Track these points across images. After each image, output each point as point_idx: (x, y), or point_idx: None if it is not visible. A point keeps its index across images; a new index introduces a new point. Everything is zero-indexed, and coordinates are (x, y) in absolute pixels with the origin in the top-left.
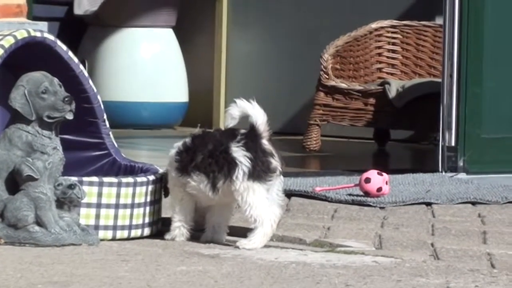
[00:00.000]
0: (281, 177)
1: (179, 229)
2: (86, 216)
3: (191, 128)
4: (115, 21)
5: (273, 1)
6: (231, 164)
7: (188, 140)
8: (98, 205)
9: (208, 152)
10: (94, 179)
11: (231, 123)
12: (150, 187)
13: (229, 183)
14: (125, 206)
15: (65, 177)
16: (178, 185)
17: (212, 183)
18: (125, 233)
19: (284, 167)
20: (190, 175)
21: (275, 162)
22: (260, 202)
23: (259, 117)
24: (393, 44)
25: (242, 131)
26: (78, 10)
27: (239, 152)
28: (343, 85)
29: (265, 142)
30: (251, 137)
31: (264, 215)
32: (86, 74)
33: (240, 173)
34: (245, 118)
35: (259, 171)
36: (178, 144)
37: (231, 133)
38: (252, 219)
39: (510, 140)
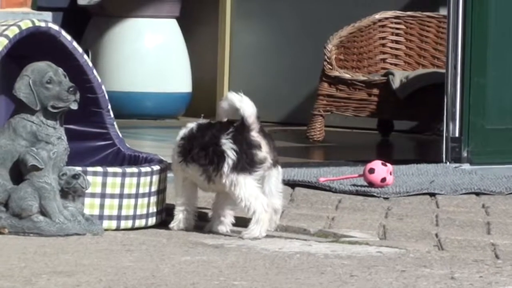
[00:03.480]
0: (279, 168)
1: (183, 213)
2: (90, 206)
3: (194, 118)
4: (119, 11)
5: None
6: (220, 157)
7: (194, 127)
8: (103, 195)
9: (202, 145)
10: (99, 169)
11: (224, 117)
12: (154, 177)
13: (220, 176)
14: (129, 196)
15: (70, 167)
16: (181, 171)
17: (206, 175)
18: (129, 223)
19: (277, 158)
20: (187, 165)
21: (262, 154)
22: (249, 192)
23: (247, 109)
24: (397, 35)
25: (236, 123)
26: (82, 0)
27: (227, 145)
28: (347, 76)
29: (254, 134)
30: (239, 130)
31: (255, 204)
32: (90, 64)
33: (226, 166)
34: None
35: (244, 164)
36: (187, 128)
37: (226, 126)
38: (246, 210)
39: None
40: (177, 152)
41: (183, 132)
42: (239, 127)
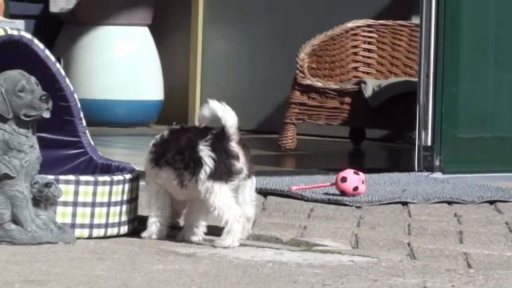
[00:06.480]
0: (253, 179)
1: (155, 224)
2: (62, 215)
3: (166, 126)
4: (91, 19)
5: None
6: (197, 163)
7: (165, 133)
8: (75, 204)
9: (178, 149)
10: (71, 177)
11: (202, 124)
12: (126, 186)
13: (195, 181)
14: (101, 204)
15: (42, 176)
16: (154, 178)
17: (180, 179)
18: (101, 232)
19: (253, 169)
20: (161, 169)
21: (239, 165)
22: (223, 201)
23: (229, 120)
24: (369, 43)
25: (214, 131)
26: (54, 7)
27: (205, 152)
28: (319, 84)
29: (233, 145)
30: (219, 138)
31: (228, 214)
32: (62, 72)
33: (203, 173)
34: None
35: (221, 173)
36: (157, 136)
37: (203, 132)
38: (219, 218)
39: (485, 140)
40: (149, 159)
41: (154, 139)
42: (218, 136)
